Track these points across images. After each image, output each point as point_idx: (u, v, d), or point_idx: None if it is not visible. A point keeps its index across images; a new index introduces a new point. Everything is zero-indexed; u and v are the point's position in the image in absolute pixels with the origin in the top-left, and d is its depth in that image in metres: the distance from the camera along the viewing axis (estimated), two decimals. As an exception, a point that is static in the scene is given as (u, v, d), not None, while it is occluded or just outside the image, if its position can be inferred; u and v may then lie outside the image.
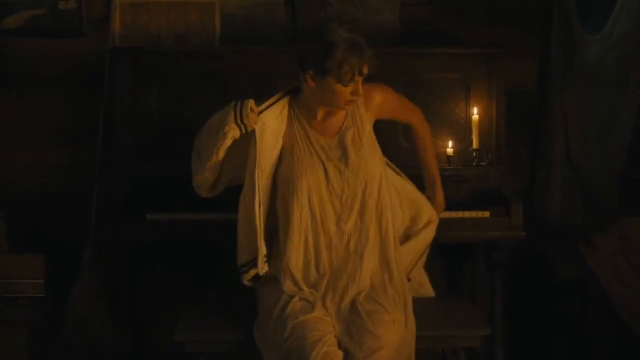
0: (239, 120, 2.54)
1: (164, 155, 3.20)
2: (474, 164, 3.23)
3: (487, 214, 3.06)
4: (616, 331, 3.21)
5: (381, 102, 2.70)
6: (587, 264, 3.35)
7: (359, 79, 2.51)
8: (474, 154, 3.24)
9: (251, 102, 2.57)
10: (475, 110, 3.25)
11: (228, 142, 2.57)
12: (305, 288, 2.57)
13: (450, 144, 3.25)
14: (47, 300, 3.39)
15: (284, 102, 2.67)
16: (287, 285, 2.59)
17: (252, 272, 2.64)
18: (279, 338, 2.48)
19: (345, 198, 2.59)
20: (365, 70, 2.50)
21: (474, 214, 3.05)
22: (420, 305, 2.74)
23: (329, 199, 2.59)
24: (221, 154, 2.58)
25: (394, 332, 2.50)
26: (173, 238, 3.04)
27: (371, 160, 2.64)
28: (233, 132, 2.56)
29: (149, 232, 3.01)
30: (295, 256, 2.60)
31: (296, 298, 2.56)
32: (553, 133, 3.51)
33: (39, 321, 3.38)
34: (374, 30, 3.39)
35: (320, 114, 2.67)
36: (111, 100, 3.37)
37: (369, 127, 2.70)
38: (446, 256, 3.36)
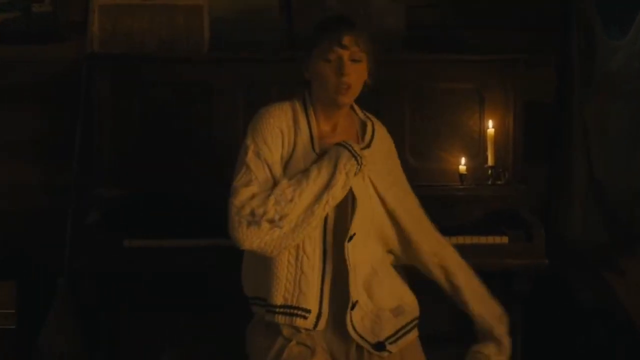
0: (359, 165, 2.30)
1: (147, 173, 3.06)
2: (489, 182, 3.07)
3: (505, 239, 2.88)
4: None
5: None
6: (613, 292, 3.20)
7: (342, 53, 2.29)
8: (489, 171, 3.08)
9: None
10: (490, 123, 3.10)
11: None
12: (303, 330, 2.32)
13: (462, 160, 3.09)
14: (18, 333, 3.26)
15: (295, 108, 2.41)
16: (286, 328, 2.32)
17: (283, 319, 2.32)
18: (272, 388, 2.26)
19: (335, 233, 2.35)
20: (346, 42, 2.28)
21: (490, 239, 2.87)
22: (427, 345, 2.53)
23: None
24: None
25: None
26: (154, 268, 2.84)
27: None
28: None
29: (127, 261, 2.80)
30: None
31: (293, 342, 2.30)
32: (573, 147, 3.40)
33: (8, 356, 3.24)
34: (377, 36, 3.21)
35: (326, 123, 2.40)
36: (89, 111, 3.23)
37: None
38: None
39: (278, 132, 2.33)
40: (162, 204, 2.90)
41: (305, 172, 2.28)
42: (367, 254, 2.35)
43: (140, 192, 2.96)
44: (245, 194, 2.26)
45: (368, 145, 2.39)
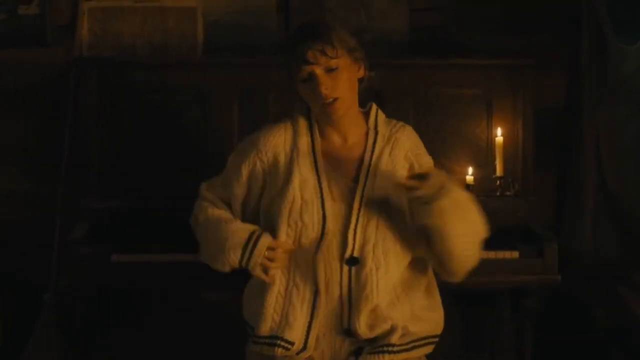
0: (245, 261, 2.22)
1: (137, 184, 2.98)
2: (498, 194, 2.99)
3: (515, 254, 2.78)
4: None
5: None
6: (628, 309, 3.10)
7: (312, 68, 2.16)
8: (498, 182, 3.00)
9: (266, 242, 2.20)
10: (498, 131, 3.02)
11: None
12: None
13: (469, 170, 2.99)
14: (2, 351, 3.22)
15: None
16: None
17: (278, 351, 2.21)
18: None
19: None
20: (310, 58, 2.15)
21: (500, 254, 2.77)
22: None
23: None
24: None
25: None
26: (143, 285, 2.77)
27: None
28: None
29: (114, 277, 2.72)
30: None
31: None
32: (584, 156, 3.34)
33: (-10, 376, 3.19)
34: (379, 39, 3.33)
35: (335, 134, 2.28)
36: (77, 118, 3.19)
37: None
38: (464, 304, 3.11)
39: (260, 164, 2.27)
40: (153, 216, 2.82)
41: (229, 224, 2.25)
42: (387, 278, 2.17)
43: (129, 204, 2.89)
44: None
45: (371, 156, 2.26)
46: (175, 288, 2.80)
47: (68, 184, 3.19)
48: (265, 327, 2.17)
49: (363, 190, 2.19)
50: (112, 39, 3.31)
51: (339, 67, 2.16)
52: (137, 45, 3.32)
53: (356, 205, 2.18)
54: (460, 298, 3.02)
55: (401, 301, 2.19)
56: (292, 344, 2.15)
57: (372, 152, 2.24)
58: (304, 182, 2.19)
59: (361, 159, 2.24)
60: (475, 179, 2.97)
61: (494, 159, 3.00)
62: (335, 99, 2.16)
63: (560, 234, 3.24)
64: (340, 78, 2.17)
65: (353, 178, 2.22)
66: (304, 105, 2.28)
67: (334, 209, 2.18)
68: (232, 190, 2.30)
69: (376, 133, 2.28)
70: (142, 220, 2.82)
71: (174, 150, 3.01)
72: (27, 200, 3.33)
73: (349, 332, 2.15)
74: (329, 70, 2.16)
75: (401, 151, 2.25)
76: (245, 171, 2.27)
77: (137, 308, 3.08)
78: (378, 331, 2.15)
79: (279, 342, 2.16)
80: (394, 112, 2.91)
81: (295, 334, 2.15)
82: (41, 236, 3.21)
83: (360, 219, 2.17)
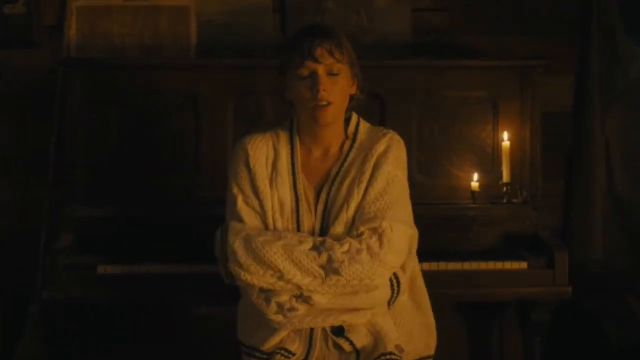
0: None
1: (125, 192, 2.95)
2: (505, 201, 2.96)
3: (524, 264, 2.74)
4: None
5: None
6: (638, 319, 3.08)
7: (316, 67, 2.17)
8: (504, 188, 2.97)
9: None
10: (505, 135, 2.99)
11: None
12: None
13: (475, 176, 2.97)
14: None
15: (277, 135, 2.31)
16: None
17: None
18: None
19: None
20: (318, 54, 2.16)
21: (507, 264, 2.74)
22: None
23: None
24: None
25: None
26: (131, 297, 2.70)
27: None
28: None
29: (101, 289, 2.66)
30: None
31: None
32: (592, 161, 3.32)
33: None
34: (380, 41, 3.30)
35: (316, 147, 2.28)
36: (64, 122, 3.14)
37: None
38: (470, 316, 3.10)
39: (258, 169, 2.24)
40: (142, 225, 2.80)
41: None
42: None
43: (118, 212, 2.85)
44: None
45: (341, 165, 2.24)
46: (166, 301, 2.75)
47: (54, 190, 3.15)
48: (271, 343, 2.17)
49: (327, 200, 2.20)
50: (101, 39, 3.29)
51: (340, 73, 2.19)
52: (127, 46, 3.30)
53: (319, 213, 2.21)
54: (466, 310, 3.01)
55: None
56: (292, 354, 2.17)
57: (344, 161, 2.24)
58: (281, 206, 2.21)
59: (331, 168, 2.24)
60: (480, 185, 2.95)
61: (500, 165, 2.97)
62: (329, 104, 2.17)
63: (568, 242, 3.19)
64: (338, 84, 2.19)
65: (318, 187, 2.23)
66: (293, 112, 2.27)
67: (309, 221, 2.23)
68: (256, 200, 2.24)
69: (353, 141, 2.27)
70: (131, 229, 2.80)
71: (165, 156, 2.98)
72: (12, 207, 3.28)
73: (338, 331, 2.16)
74: (331, 74, 2.17)
75: (373, 158, 2.23)
76: (256, 179, 2.24)
77: (126, 320, 3.03)
78: (370, 339, 2.17)
79: (279, 350, 2.17)
80: (396, 116, 2.99)
81: (297, 346, 2.17)
82: (26, 246, 3.16)
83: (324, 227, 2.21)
